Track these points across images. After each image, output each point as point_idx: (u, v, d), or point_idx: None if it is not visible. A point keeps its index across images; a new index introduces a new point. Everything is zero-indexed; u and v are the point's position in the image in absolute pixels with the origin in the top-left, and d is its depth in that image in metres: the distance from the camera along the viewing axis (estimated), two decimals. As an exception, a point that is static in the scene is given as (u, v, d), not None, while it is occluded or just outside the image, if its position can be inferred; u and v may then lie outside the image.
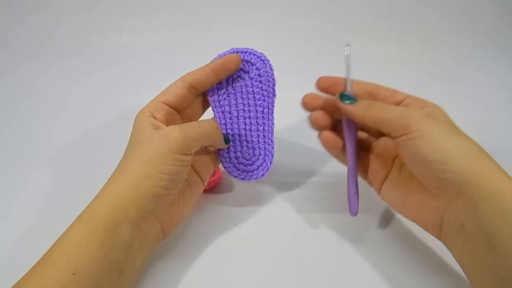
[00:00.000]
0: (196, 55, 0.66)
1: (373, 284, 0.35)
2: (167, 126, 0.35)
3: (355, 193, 0.37)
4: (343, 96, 0.35)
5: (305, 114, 0.41)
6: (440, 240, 0.32)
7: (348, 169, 0.37)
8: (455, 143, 0.29)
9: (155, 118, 0.35)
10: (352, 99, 0.35)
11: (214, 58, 0.38)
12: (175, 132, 0.32)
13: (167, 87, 0.37)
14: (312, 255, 0.38)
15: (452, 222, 0.30)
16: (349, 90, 0.36)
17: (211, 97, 0.39)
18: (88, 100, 0.59)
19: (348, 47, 0.37)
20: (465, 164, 0.28)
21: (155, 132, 0.33)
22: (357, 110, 0.34)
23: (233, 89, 0.38)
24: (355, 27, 0.70)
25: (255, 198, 0.43)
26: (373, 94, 0.36)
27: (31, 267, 0.28)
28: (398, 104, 0.35)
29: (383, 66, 0.66)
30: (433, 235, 0.33)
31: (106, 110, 0.57)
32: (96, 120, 0.56)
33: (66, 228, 0.29)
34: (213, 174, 0.42)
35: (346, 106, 0.35)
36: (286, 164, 0.47)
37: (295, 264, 0.37)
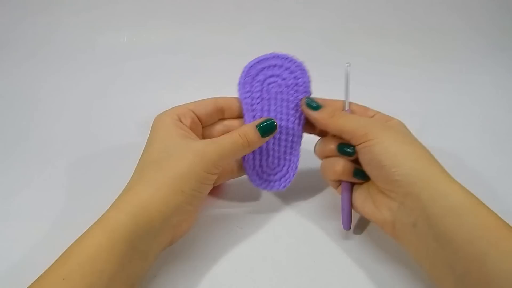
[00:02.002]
0: (196, 55, 0.67)
1: (374, 284, 0.35)
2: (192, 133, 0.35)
3: (345, 209, 0.37)
4: (309, 101, 0.37)
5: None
6: (396, 240, 0.34)
7: (341, 185, 0.38)
8: (405, 150, 0.33)
9: (181, 122, 0.35)
10: (318, 105, 0.37)
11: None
12: (210, 152, 0.32)
13: (200, 100, 0.37)
14: (312, 256, 0.38)
15: (404, 221, 0.32)
16: (347, 109, 0.38)
17: (245, 99, 0.38)
18: (88, 100, 0.59)
19: (349, 67, 0.38)
20: (412, 168, 0.31)
21: (188, 146, 0.32)
22: (320, 117, 0.36)
23: (268, 95, 0.37)
24: (356, 27, 0.70)
25: (255, 198, 0.43)
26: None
27: (44, 270, 0.27)
28: None
29: (383, 66, 0.66)
30: (389, 235, 0.34)
31: (106, 110, 0.57)
32: (96, 120, 0.56)
33: (73, 231, 0.29)
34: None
35: (311, 111, 0.37)
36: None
37: (296, 265, 0.37)
